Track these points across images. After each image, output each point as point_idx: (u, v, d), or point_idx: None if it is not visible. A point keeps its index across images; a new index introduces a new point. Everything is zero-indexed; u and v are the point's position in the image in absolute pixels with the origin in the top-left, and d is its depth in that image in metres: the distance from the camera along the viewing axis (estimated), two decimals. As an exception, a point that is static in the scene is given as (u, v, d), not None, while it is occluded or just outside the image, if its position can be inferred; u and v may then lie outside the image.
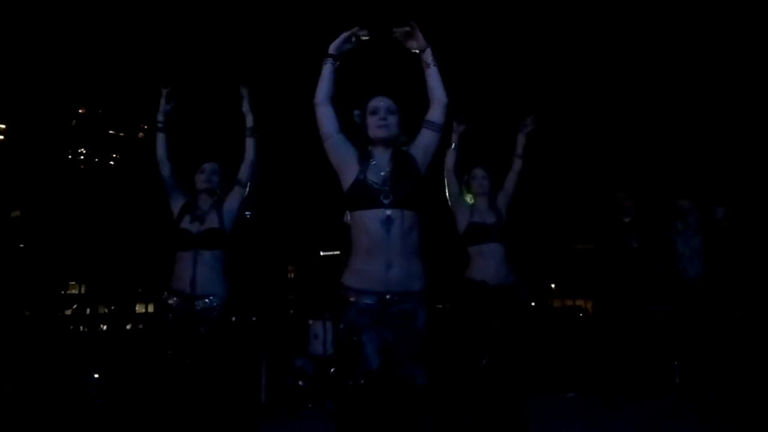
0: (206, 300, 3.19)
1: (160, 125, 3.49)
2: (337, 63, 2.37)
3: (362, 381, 2.14)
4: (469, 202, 3.70)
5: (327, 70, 2.37)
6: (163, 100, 3.53)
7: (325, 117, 2.35)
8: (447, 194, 3.69)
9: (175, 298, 3.20)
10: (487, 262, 3.55)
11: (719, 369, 4.95)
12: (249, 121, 3.47)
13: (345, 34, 2.37)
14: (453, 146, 3.68)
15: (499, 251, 3.58)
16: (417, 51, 2.40)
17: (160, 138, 3.48)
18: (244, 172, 3.45)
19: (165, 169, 3.44)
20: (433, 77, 2.40)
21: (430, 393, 2.20)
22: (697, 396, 4.93)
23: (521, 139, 3.84)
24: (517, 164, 3.81)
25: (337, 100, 2.38)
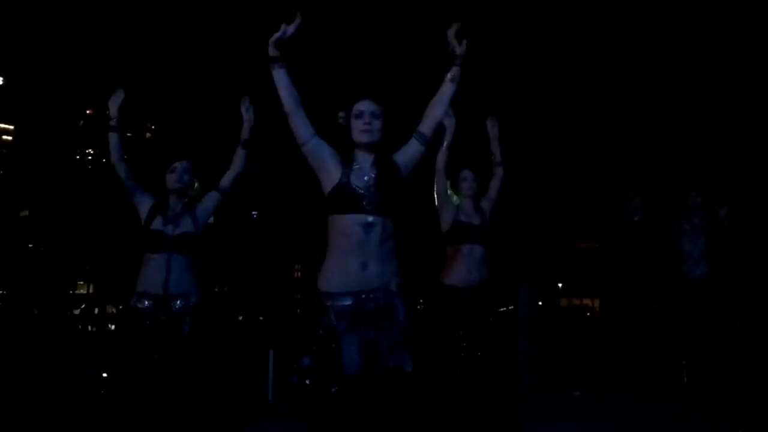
0: (181, 300, 3.12)
1: (113, 124, 3.37)
2: (284, 63, 2.26)
3: (335, 388, 2.12)
4: (454, 203, 3.71)
5: (281, 75, 2.26)
6: (115, 100, 3.41)
7: (299, 124, 2.30)
8: (435, 193, 3.70)
9: (146, 302, 3.10)
10: (463, 262, 3.57)
11: (724, 367, 4.94)
12: (245, 133, 3.42)
13: (277, 35, 2.24)
14: (445, 145, 3.68)
15: (479, 252, 3.61)
16: (453, 57, 2.36)
17: (114, 138, 3.36)
18: (227, 180, 3.40)
19: (121, 171, 3.32)
20: (446, 93, 2.39)
21: (420, 380, 2.20)
22: (704, 395, 4.91)
23: (495, 147, 3.84)
24: (499, 172, 3.84)
25: (304, 102, 2.31)
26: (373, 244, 2.21)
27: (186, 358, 3.07)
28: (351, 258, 2.21)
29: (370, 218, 2.21)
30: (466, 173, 3.75)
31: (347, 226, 2.21)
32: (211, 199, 3.36)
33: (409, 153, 2.39)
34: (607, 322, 6.48)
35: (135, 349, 3.08)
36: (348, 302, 2.22)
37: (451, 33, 2.35)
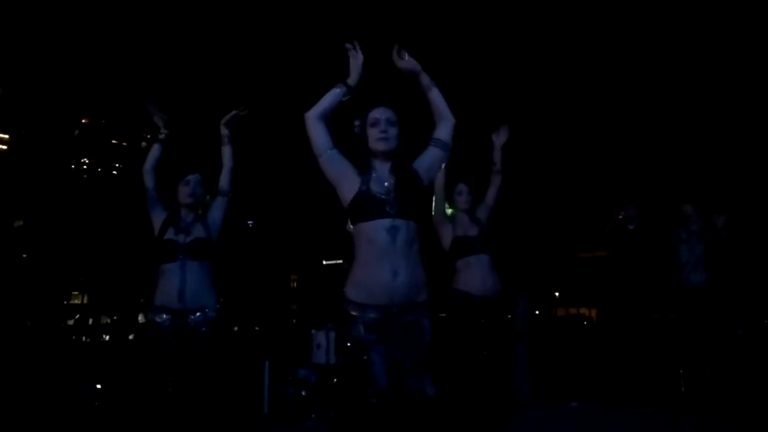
0: (199, 313, 3.13)
1: (161, 137, 3.46)
2: (348, 96, 2.33)
3: (374, 399, 2.08)
4: (450, 217, 3.74)
5: (336, 94, 2.32)
6: (163, 118, 3.48)
7: (317, 133, 2.29)
8: (433, 211, 3.73)
9: (163, 315, 3.11)
10: (473, 273, 3.59)
11: (723, 375, 4.93)
12: (224, 131, 3.45)
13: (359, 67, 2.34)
14: (443, 165, 3.70)
15: (486, 261, 3.63)
16: (412, 74, 2.38)
17: (156, 149, 3.44)
18: (225, 181, 3.44)
19: (149, 181, 3.39)
20: (437, 99, 2.39)
21: (440, 403, 2.18)
22: (702, 403, 4.89)
23: (498, 154, 3.87)
24: (497, 179, 3.87)
25: (331, 121, 2.33)
26: (400, 248, 2.18)
27: (197, 372, 3.07)
28: (380, 266, 2.17)
29: (394, 222, 2.19)
30: (462, 187, 3.78)
31: (372, 232, 2.19)
32: (217, 207, 3.41)
33: (429, 159, 2.38)
34: (605, 330, 6.48)
35: (149, 363, 3.08)
36: (377, 315, 2.18)
37: (397, 58, 2.35)
